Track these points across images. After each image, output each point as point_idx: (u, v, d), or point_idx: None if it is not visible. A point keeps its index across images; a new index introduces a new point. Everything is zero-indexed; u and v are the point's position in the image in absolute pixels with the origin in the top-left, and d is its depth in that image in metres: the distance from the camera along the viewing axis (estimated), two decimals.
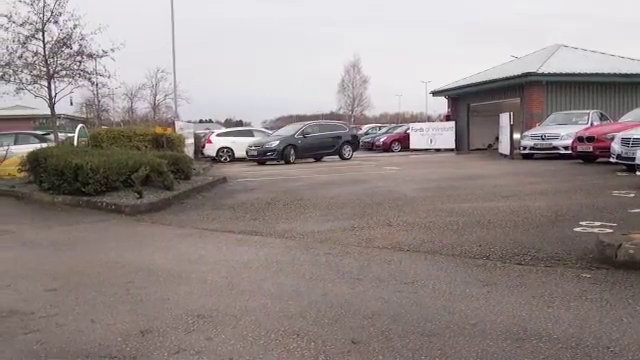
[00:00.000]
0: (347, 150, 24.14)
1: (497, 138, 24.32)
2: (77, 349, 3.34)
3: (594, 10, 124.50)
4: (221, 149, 25.32)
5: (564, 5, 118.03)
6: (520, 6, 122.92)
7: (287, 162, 21.46)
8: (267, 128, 43.61)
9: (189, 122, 29.17)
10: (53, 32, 15.24)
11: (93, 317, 3.90)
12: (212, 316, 3.85)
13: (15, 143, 18.17)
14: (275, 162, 21.44)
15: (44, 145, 14.07)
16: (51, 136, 17.68)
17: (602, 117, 19.86)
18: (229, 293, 4.42)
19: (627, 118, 16.47)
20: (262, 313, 3.89)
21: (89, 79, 16.36)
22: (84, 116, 43.64)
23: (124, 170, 10.14)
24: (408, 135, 31.48)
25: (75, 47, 15.41)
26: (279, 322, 3.69)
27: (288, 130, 24.40)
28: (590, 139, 15.71)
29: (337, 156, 23.70)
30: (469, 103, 29.33)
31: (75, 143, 13.80)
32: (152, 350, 3.29)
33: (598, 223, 6.56)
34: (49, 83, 15.30)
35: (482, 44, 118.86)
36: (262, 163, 21.69)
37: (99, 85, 18.91)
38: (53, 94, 15.47)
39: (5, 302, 4.32)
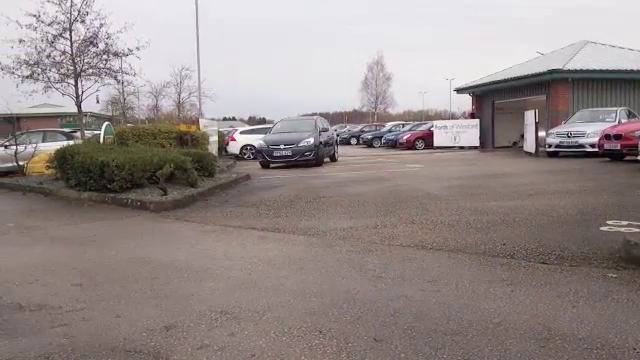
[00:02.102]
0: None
1: (522, 136, 24.06)
2: (103, 343, 3.40)
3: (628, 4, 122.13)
4: (244, 147, 25.46)
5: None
6: (551, 2, 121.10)
7: (319, 164, 18.53)
8: None
9: (213, 120, 29.33)
10: (80, 31, 15.45)
11: (118, 312, 3.96)
12: (235, 312, 3.88)
13: (43, 141, 18.41)
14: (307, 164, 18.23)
15: (71, 142, 14.27)
16: (78, 134, 17.91)
17: (630, 114, 19.50)
18: (252, 290, 4.46)
19: None
20: (285, 310, 3.91)
21: (115, 77, 16.55)
22: (110, 114, 44.24)
23: (149, 167, 10.25)
24: (432, 133, 31.29)
25: (101, 46, 15.60)
26: (301, 319, 3.71)
27: (294, 125, 20.73)
28: (617, 137, 15.45)
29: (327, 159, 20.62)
30: (494, 100, 29.05)
31: (101, 140, 13.98)
32: (176, 345, 3.34)
33: (625, 222, 6.45)
34: (76, 81, 15.51)
35: (509, 40, 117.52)
36: (266, 166, 18.60)
37: (125, 83, 19.19)
38: (80, 92, 15.68)
39: (33, 296, 4.42)
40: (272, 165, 18.66)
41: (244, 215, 8.28)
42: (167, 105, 53.91)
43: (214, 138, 21.00)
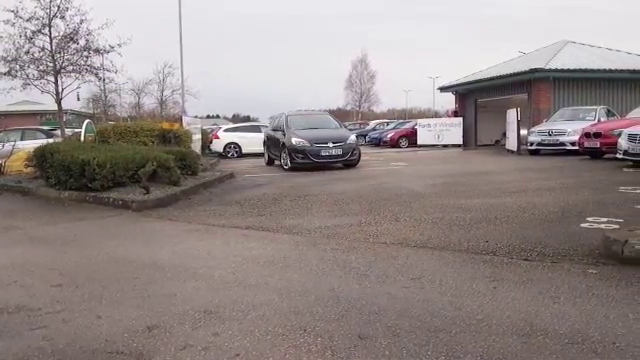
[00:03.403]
0: None
1: (504, 134, 24.23)
2: (83, 345, 3.36)
3: (610, 5, 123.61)
4: (228, 145, 25.35)
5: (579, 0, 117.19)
6: (535, 2, 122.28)
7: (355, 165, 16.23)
8: None
9: (196, 117, 29.17)
10: (60, 27, 15.23)
11: (99, 313, 3.92)
12: (219, 312, 3.86)
13: (22, 139, 18.22)
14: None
15: (51, 141, 14.11)
16: (58, 132, 17.71)
17: (609, 113, 19.77)
18: (236, 289, 4.43)
19: (634, 114, 16.42)
20: (269, 309, 3.90)
21: (96, 74, 16.35)
22: (91, 112, 43.80)
23: (131, 166, 10.16)
24: (415, 131, 31.42)
25: (82, 42, 15.40)
26: (286, 318, 3.70)
27: (313, 121, 17.78)
28: (597, 135, 15.65)
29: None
30: (476, 99, 29.25)
31: (82, 139, 13.82)
32: (159, 346, 3.31)
33: (605, 219, 6.53)
34: (56, 78, 15.31)
35: (492, 40, 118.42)
36: (292, 169, 15.99)
37: (106, 80, 18.95)
38: (60, 89, 15.48)
39: (12, 298, 4.35)
40: (297, 167, 15.51)
41: (228, 214, 8.24)
42: (150, 103, 53.60)
43: (197, 136, 20.87)
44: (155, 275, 4.92)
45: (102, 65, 16.46)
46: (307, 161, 15.47)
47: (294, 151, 15.64)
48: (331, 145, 15.55)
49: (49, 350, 3.29)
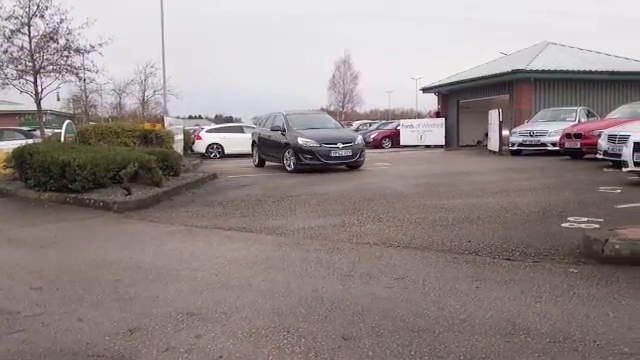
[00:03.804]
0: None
1: (486, 135, 24.42)
2: (64, 348, 3.31)
3: (593, 8, 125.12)
4: (211, 145, 25.23)
5: (560, 3, 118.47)
6: (517, 2, 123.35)
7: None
8: (257, 124, 43.40)
9: (178, 118, 29.00)
10: (39, 26, 15.06)
11: (80, 316, 3.87)
12: (202, 314, 3.83)
13: (0, 139, 17.95)
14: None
15: (30, 141, 13.90)
16: (37, 132, 17.49)
17: (589, 114, 20.04)
18: (219, 290, 4.41)
19: (614, 115, 16.63)
20: (252, 310, 3.88)
21: (76, 74, 16.19)
22: (71, 112, 43.26)
23: (112, 166, 10.07)
24: (398, 131, 31.51)
25: (62, 42, 15.24)
26: (269, 319, 3.68)
27: (313, 120, 16.91)
28: (577, 136, 15.85)
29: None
30: (458, 100, 29.46)
31: (62, 139, 13.67)
32: (141, 348, 3.27)
33: (585, 219, 6.60)
34: (35, 78, 15.13)
35: (474, 40, 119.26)
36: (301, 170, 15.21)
37: (87, 81, 18.75)
38: (39, 89, 15.30)
39: None
40: (302, 168, 14.75)
41: (211, 215, 8.19)
42: (131, 103, 53.05)
43: (179, 137, 20.74)
44: (137, 277, 4.88)
45: (83, 65, 16.30)
46: (316, 162, 14.66)
47: (301, 152, 14.75)
48: (341, 146, 14.83)
49: (28, 354, 3.24)
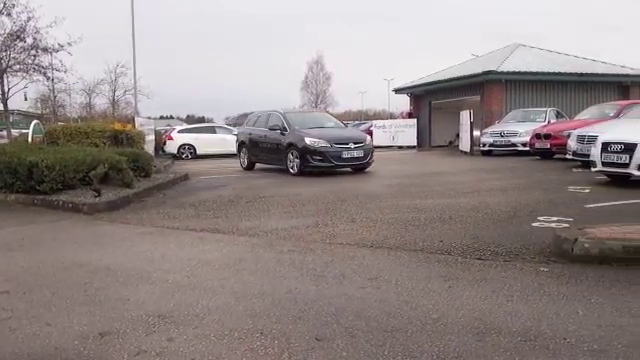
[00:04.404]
0: None
1: (457, 135, 24.68)
2: (32, 353, 3.24)
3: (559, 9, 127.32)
4: (183, 146, 25.03)
5: (531, 3, 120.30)
6: (489, 4, 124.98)
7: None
8: (230, 124, 43.19)
9: (149, 118, 28.72)
10: (6, 25, 14.81)
11: (48, 320, 3.79)
12: (174, 316, 3.78)
13: None
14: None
15: None
16: (4, 133, 17.14)
17: (558, 115, 20.40)
18: (191, 292, 4.36)
19: (582, 116, 16.95)
20: (225, 312, 3.85)
21: (44, 74, 15.95)
22: (39, 112, 42.48)
23: (82, 167, 9.90)
24: (371, 132, 31.58)
25: (29, 40, 15.03)
26: (242, 321, 3.66)
27: (312, 119, 16.16)
28: (547, 136, 16.14)
29: None
30: (430, 100, 29.72)
31: (29, 140, 13.42)
32: (111, 352, 3.22)
33: (555, 218, 6.70)
34: (1, 78, 14.85)
35: (446, 42, 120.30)
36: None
37: (55, 80, 18.42)
38: (6, 89, 15.01)
39: None
40: (307, 170, 13.80)
41: (182, 216, 8.11)
42: (101, 103, 52.37)
43: (151, 137, 20.56)
44: (107, 280, 4.80)
45: (51, 64, 16.05)
46: (326, 164, 13.67)
47: (309, 153, 13.66)
48: (352, 146, 13.83)
49: None
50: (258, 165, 16.43)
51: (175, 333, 3.48)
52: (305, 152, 13.75)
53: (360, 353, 3.11)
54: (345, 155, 13.70)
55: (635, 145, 8.90)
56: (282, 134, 14.70)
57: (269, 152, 15.50)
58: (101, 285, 4.63)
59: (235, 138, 25.24)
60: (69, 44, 15.41)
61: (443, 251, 5.42)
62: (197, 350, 3.21)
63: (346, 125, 16.25)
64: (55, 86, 33.60)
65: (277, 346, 3.23)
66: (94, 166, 9.74)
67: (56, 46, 15.28)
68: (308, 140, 13.74)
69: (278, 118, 15.25)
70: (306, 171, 13.76)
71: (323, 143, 13.67)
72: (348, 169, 14.15)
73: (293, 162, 14.10)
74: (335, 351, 3.14)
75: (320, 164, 13.68)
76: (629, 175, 9.05)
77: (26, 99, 37.68)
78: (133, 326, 3.62)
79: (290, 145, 14.24)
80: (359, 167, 14.26)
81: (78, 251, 6.07)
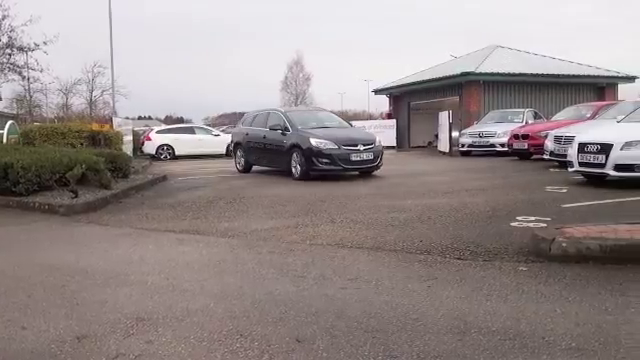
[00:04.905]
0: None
1: (436, 136, 24.84)
2: (6, 357, 3.18)
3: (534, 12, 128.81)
4: (161, 146, 24.82)
5: (512, 6, 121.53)
6: (469, 6, 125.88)
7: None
8: (209, 125, 43.01)
9: (127, 119, 28.43)
10: None
11: (24, 324, 3.72)
12: (153, 319, 3.74)
13: None
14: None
15: None
16: None
17: (536, 115, 20.66)
18: (170, 294, 4.32)
19: (559, 116, 17.18)
20: (205, 314, 3.82)
21: (20, 73, 15.72)
22: (15, 112, 41.87)
23: (58, 168, 9.77)
24: None
25: (4, 39, 14.79)
26: (222, 323, 3.63)
27: (315, 118, 14.89)
28: (525, 137, 16.32)
29: None
30: (409, 101, 29.88)
31: (4, 140, 13.21)
32: (89, 356, 3.17)
33: (533, 218, 6.77)
34: None
35: (425, 43, 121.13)
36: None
37: (31, 80, 18.16)
38: None
39: None
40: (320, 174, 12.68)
41: (161, 217, 8.04)
42: (78, 103, 51.87)
43: (128, 137, 20.37)
44: (85, 282, 4.73)
45: (26, 63, 15.81)
46: (334, 167, 12.47)
47: (316, 155, 12.39)
48: (362, 148, 12.61)
49: None
50: (255, 167, 15.55)
51: (154, 335, 3.44)
52: (310, 154, 12.47)
53: (341, 354, 3.10)
54: (354, 158, 12.51)
55: (611, 146, 9.03)
56: (284, 134, 13.45)
57: (269, 154, 14.30)
58: (78, 287, 4.56)
59: (214, 139, 25.30)
60: (45, 43, 15.22)
61: (423, 251, 5.44)
62: (176, 352, 3.18)
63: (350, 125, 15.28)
64: (31, 86, 33.22)
65: (257, 348, 3.21)
66: (71, 167, 9.60)
67: (32, 45, 15.08)
68: (314, 141, 12.50)
69: (279, 117, 14.11)
70: (312, 176, 12.59)
71: (330, 145, 12.45)
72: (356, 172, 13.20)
73: (298, 165, 12.84)
74: (316, 352, 3.13)
75: (327, 167, 12.46)
76: (605, 175, 9.19)
77: (1, 99, 37.11)
78: (111, 329, 3.57)
79: (293, 146, 12.98)
80: (368, 170, 13.08)
81: (55, 253, 5.99)
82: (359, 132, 14.34)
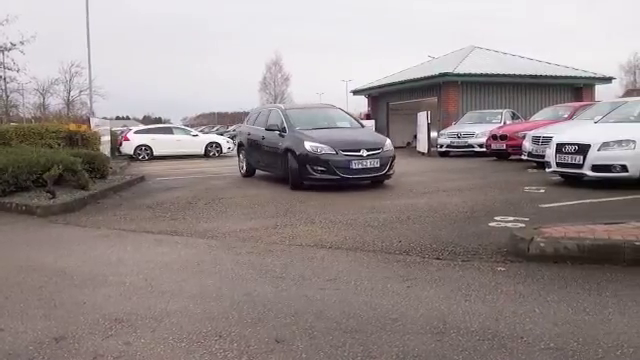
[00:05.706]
0: None
1: (415, 136, 24.95)
2: None
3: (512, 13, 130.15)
4: (139, 147, 24.56)
5: (492, 8, 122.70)
6: (448, 6, 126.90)
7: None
8: (187, 125, 42.72)
9: (105, 119, 28.03)
10: None
11: (1, 325, 3.67)
12: (131, 320, 3.71)
13: None
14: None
15: None
16: None
17: (514, 116, 20.86)
18: (149, 296, 4.29)
19: (537, 117, 17.36)
20: (183, 315, 3.80)
21: None
22: None
23: (35, 169, 9.65)
24: None
25: None
26: (201, 324, 3.61)
27: (320, 116, 12.77)
28: (503, 137, 16.47)
29: None
30: (388, 102, 29.98)
31: None
32: (67, 357, 3.14)
33: (511, 218, 6.84)
34: None
35: (403, 43, 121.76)
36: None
37: (7, 80, 17.88)
38: None
39: None
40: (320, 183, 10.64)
41: (139, 218, 7.97)
42: (56, 103, 51.22)
43: (106, 138, 20.09)
44: (63, 283, 4.68)
45: (2, 63, 15.56)
46: (331, 177, 10.41)
47: (310, 162, 10.43)
48: (365, 154, 10.46)
49: None
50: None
51: (132, 337, 3.42)
52: (304, 160, 10.51)
53: (320, 354, 3.11)
54: (355, 165, 10.36)
55: (588, 146, 9.15)
56: (281, 136, 11.56)
57: (267, 157, 12.48)
58: (56, 289, 4.51)
59: (193, 139, 25.16)
60: (22, 43, 14.99)
61: (402, 251, 5.47)
62: (155, 354, 3.16)
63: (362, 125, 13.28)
64: (7, 86, 32.68)
65: (236, 349, 3.20)
66: (48, 167, 9.47)
67: (8, 45, 14.85)
68: (308, 145, 10.56)
69: (277, 116, 12.26)
70: (306, 185, 10.69)
71: (327, 149, 10.42)
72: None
73: (292, 173, 10.87)
74: (295, 353, 3.13)
75: (323, 177, 10.44)
76: (583, 175, 9.31)
77: None
78: (89, 330, 3.54)
79: (287, 150, 11.02)
80: (374, 180, 10.99)
81: (32, 254, 5.91)
82: (365, 134, 12.09)
